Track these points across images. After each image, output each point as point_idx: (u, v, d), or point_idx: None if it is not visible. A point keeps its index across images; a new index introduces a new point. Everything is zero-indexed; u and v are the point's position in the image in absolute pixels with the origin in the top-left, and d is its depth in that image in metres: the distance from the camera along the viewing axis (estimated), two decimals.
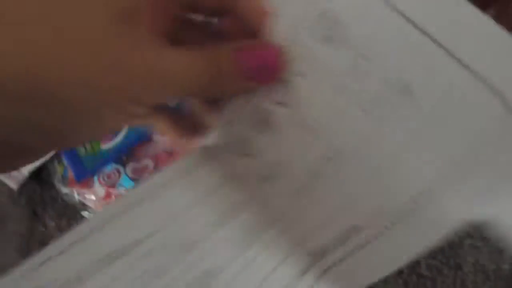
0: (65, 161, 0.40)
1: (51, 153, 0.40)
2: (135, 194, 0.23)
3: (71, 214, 0.41)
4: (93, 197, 0.39)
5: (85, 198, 0.39)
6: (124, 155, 0.40)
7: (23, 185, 0.41)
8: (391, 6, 0.20)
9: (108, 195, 0.39)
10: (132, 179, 0.39)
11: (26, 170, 0.40)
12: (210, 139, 0.26)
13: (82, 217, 0.40)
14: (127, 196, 0.24)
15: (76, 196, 0.39)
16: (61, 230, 0.41)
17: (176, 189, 0.25)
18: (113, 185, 0.39)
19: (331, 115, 0.23)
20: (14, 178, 0.41)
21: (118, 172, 0.39)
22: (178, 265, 0.24)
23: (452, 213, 0.21)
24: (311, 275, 0.27)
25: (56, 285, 0.21)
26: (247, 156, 0.27)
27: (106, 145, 0.40)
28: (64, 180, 0.40)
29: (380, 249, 0.27)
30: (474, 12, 0.20)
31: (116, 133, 0.40)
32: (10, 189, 0.41)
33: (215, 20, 0.21)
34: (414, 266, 0.36)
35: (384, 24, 0.20)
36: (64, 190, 0.40)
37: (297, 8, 0.21)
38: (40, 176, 0.42)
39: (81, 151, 0.39)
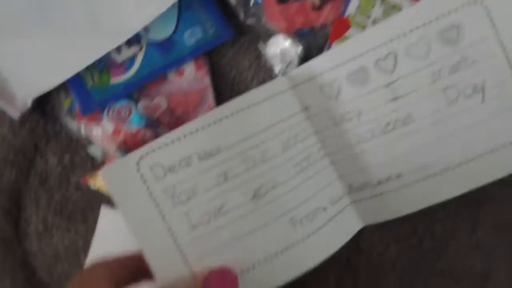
0: (71, 92, 0.38)
1: (55, 84, 0.37)
2: (226, 108, 0.29)
3: (74, 150, 0.39)
4: (100, 132, 0.37)
5: (92, 133, 0.37)
6: (135, 91, 0.37)
7: (26, 117, 0.39)
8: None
9: (116, 131, 0.37)
10: (143, 117, 0.37)
11: (30, 99, 0.38)
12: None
13: (87, 153, 0.38)
14: (220, 109, 0.29)
15: (83, 131, 0.37)
16: (63, 166, 0.39)
17: (262, 109, 0.29)
18: (123, 121, 0.37)
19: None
20: (16, 108, 0.38)
21: (129, 108, 0.37)
22: (247, 174, 0.28)
23: None
24: (346, 200, 0.32)
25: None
26: (329, 99, 0.31)
27: (116, 79, 0.37)
28: (71, 113, 0.38)
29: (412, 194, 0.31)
30: None
31: (127, 67, 0.37)
32: (11, 120, 0.39)
33: None
34: (429, 224, 0.36)
35: None
36: (70, 123, 0.38)
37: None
38: (43, 109, 0.39)
39: (88, 81, 0.37)
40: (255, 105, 0.29)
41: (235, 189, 0.27)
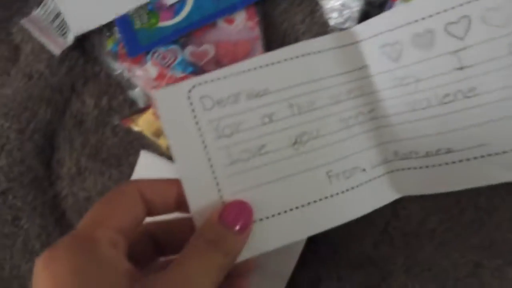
0: (117, 33, 0.36)
1: (104, 22, 0.36)
2: (281, 53, 0.29)
3: (113, 94, 0.38)
4: (143, 76, 0.36)
5: (134, 75, 0.36)
6: (183, 36, 0.36)
7: (65, 54, 0.38)
8: None
9: (161, 76, 0.36)
10: (189, 63, 0.36)
11: (72, 35, 0.37)
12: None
13: (125, 98, 0.37)
14: (275, 53, 0.29)
15: (125, 73, 0.36)
16: (100, 109, 0.38)
17: (318, 59, 0.29)
18: (167, 66, 0.36)
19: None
20: (57, 44, 0.37)
21: (175, 53, 0.36)
22: (291, 119, 0.28)
23: None
24: (388, 166, 0.30)
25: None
26: (389, 59, 0.30)
27: (165, 23, 0.36)
28: (113, 53, 0.37)
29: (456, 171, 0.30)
30: None
31: (176, 11, 0.36)
32: (50, 57, 0.38)
33: None
34: (473, 196, 0.35)
35: None
36: (112, 64, 0.36)
37: None
38: (84, 47, 0.38)
39: (136, 23, 0.36)
40: (311, 54, 0.29)
41: (277, 132, 0.28)
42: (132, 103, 0.37)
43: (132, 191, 0.24)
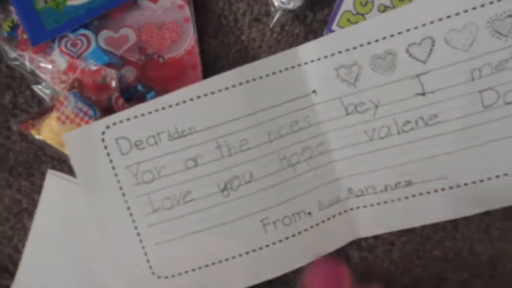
0: (14, 14, 0.29)
1: None
2: (211, 83, 0.26)
3: (18, 88, 0.31)
4: (50, 68, 0.29)
5: (39, 67, 0.29)
6: (96, 19, 0.30)
7: None
8: None
9: (71, 68, 0.29)
10: (105, 52, 0.29)
11: None
12: None
13: (32, 92, 0.31)
14: (205, 83, 0.26)
15: (27, 64, 0.30)
16: (3, 107, 0.31)
17: (260, 86, 0.26)
18: (78, 56, 0.29)
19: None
20: None
21: (87, 39, 0.29)
22: (220, 162, 0.26)
23: None
24: (340, 206, 0.28)
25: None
26: (345, 83, 0.27)
27: (74, 1, 0.29)
28: (12, 40, 0.30)
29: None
30: None
31: None
32: None
33: None
34: None
35: None
36: (11, 54, 0.30)
37: None
38: None
39: (39, 1, 0.29)
40: (248, 83, 0.25)
41: (204, 177, 0.26)
42: (41, 100, 0.31)
43: None
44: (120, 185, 0.25)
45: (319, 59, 0.26)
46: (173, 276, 0.25)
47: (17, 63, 0.30)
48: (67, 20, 0.29)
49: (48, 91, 0.30)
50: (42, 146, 0.30)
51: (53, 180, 0.30)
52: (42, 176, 0.31)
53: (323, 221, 0.27)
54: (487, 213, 0.30)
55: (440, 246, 0.30)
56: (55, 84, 0.29)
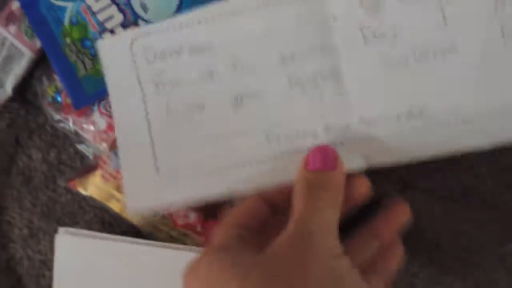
0: (58, 81, 0.33)
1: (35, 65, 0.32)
2: (229, 4, 0.27)
3: (62, 146, 0.35)
4: (92, 128, 0.32)
5: (82, 128, 0.33)
6: None
7: (4, 106, 0.34)
8: None
9: (110, 127, 0.32)
10: None
11: (10, 86, 0.33)
12: None
13: (76, 150, 0.34)
14: (223, 4, 0.27)
15: (71, 126, 0.33)
16: (49, 164, 0.34)
17: (282, 9, 0.27)
18: None
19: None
20: None
21: None
22: (233, 78, 0.27)
23: None
24: (349, 131, 0.27)
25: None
26: (367, 9, 0.27)
27: None
28: (56, 105, 0.33)
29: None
30: None
31: None
32: None
33: None
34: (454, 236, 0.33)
35: None
36: (56, 116, 0.33)
37: None
38: (24, 96, 0.34)
39: (80, 70, 0.32)
40: (269, 6, 0.27)
41: (217, 91, 0.27)
42: (83, 156, 0.34)
43: (253, 198, 0.27)
44: (142, 90, 0.28)
45: None
46: (178, 174, 0.27)
47: (61, 124, 0.33)
48: (106, 85, 0.32)
49: (90, 149, 0.33)
50: (86, 198, 0.33)
51: (64, 239, 0.32)
52: (86, 224, 0.34)
53: (329, 144, 0.26)
54: None
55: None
56: (96, 143, 0.32)
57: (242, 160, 0.27)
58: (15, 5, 0.33)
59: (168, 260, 0.31)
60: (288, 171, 0.26)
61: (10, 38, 0.33)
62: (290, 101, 0.27)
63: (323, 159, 0.25)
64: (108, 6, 0.32)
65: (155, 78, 0.27)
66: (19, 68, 0.33)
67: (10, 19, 0.33)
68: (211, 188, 0.27)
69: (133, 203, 0.28)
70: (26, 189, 0.35)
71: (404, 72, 0.26)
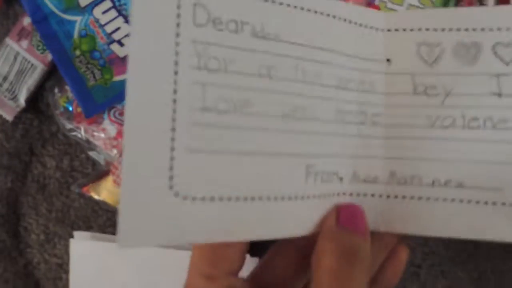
0: (69, 92, 0.34)
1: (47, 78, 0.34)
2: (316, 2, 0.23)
3: (74, 153, 0.36)
4: (102, 135, 0.34)
5: (93, 136, 0.34)
6: None
7: (18, 117, 0.36)
8: None
9: (120, 134, 0.34)
10: None
11: (23, 97, 0.35)
12: None
13: (88, 157, 0.36)
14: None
15: (83, 134, 0.34)
16: (62, 171, 0.36)
17: (344, 28, 0.24)
18: None
19: None
20: (9, 108, 0.35)
21: None
22: (291, 83, 0.22)
23: None
24: (374, 188, 0.24)
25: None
26: (422, 61, 0.25)
27: (121, 76, 0.34)
28: (68, 114, 0.35)
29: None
30: None
31: None
32: (3, 121, 0.36)
33: None
34: None
35: None
36: (68, 125, 0.35)
37: None
38: (37, 107, 0.36)
39: (90, 80, 0.34)
40: (338, 19, 0.23)
41: (271, 92, 0.21)
42: (95, 162, 0.35)
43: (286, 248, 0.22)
44: (175, 60, 0.18)
45: (404, 29, 0.25)
46: (196, 198, 0.19)
47: (73, 133, 0.35)
48: (115, 94, 0.34)
49: (101, 156, 0.34)
50: (99, 203, 0.35)
51: (78, 243, 0.33)
52: (100, 228, 0.36)
53: (351, 194, 0.23)
54: None
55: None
56: (107, 149, 0.34)
57: (272, 194, 0.20)
58: (27, 21, 0.35)
59: (182, 262, 0.29)
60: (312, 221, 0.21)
61: (23, 53, 0.35)
62: (333, 133, 0.23)
63: (355, 220, 0.22)
64: (115, 18, 0.33)
65: (199, 48, 0.19)
66: (31, 81, 0.35)
67: (22, 34, 0.35)
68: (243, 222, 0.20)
69: (131, 232, 0.18)
70: (42, 196, 0.36)
71: (449, 135, 0.24)
